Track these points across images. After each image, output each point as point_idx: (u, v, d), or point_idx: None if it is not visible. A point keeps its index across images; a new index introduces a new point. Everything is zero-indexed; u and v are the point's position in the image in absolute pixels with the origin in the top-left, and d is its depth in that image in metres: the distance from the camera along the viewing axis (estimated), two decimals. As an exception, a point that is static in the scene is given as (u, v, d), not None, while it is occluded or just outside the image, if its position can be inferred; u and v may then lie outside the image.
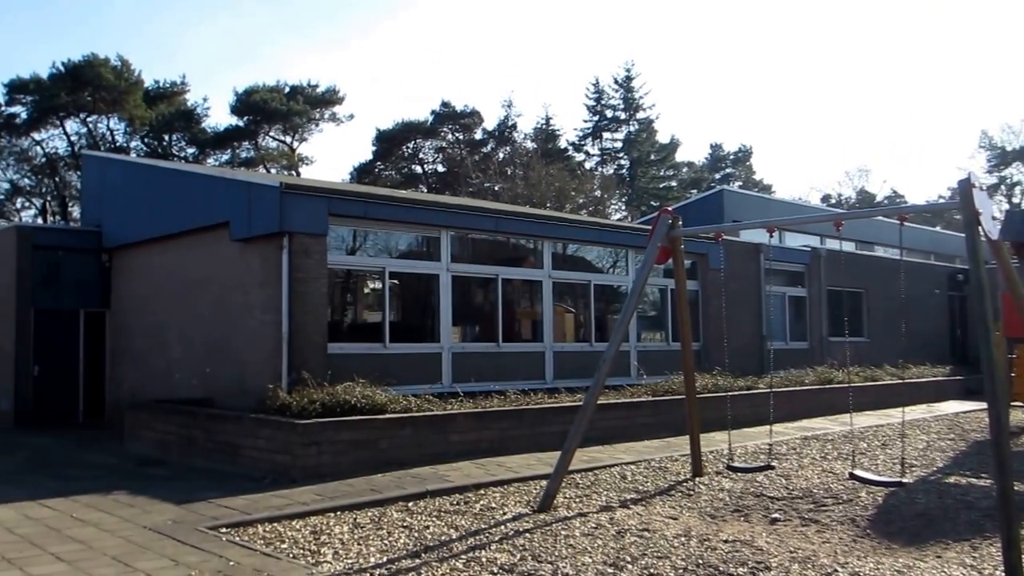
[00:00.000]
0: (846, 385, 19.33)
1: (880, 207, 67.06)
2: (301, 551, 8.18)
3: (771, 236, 11.40)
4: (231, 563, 7.68)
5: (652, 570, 7.40)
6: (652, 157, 69.01)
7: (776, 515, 9.56)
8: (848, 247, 33.29)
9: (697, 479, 11.66)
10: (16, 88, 52.41)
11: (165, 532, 8.83)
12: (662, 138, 71.03)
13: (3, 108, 52.83)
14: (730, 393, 15.85)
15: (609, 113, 69.66)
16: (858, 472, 9.96)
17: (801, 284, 25.85)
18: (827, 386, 20.22)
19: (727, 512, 9.81)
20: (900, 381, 21.79)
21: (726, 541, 8.33)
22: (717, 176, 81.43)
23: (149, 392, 17.79)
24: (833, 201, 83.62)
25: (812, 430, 16.81)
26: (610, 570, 7.42)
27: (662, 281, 20.73)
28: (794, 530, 8.95)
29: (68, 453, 15.10)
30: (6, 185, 54.65)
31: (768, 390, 16.06)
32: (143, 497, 10.67)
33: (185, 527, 9.02)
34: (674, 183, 71.80)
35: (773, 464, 11.64)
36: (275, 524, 9.21)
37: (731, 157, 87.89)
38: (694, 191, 64.80)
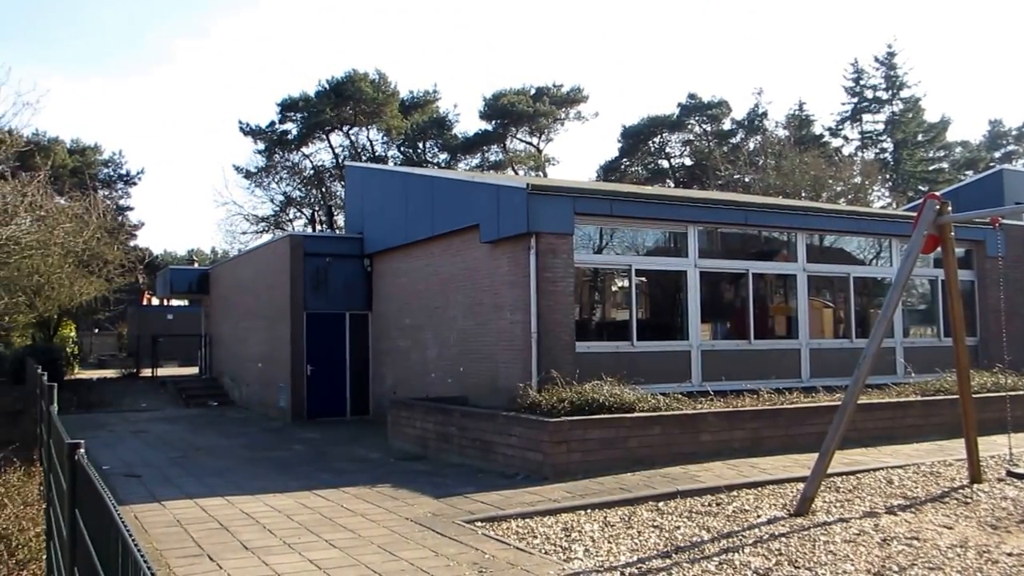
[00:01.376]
0: None
1: None
2: (553, 547, 8.29)
3: (1059, 218, 10.23)
4: (486, 556, 7.90)
5: (924, 583, 6.86)
6: (919, 138, 63.98)
7: (1073, 530, 8.56)
8: None
9: (975, 486, 10.74)
10: (288, 107, 56.78)
11: (425, 524, 9.23)
12: (930, 117, 65.54)
13: (277, 126, 57.42)
14: (1012, 393, 14.42)
15: (869, 94, 65.27)
16: None
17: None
18: None
19: (1011, 523, 8.90)
20: None
21: (1010, 554, 7.57)
22: (996, 155, 74.52)
23: (408, 390, 18.71)
24: None
25: (1116, 436, 14.97)
26: (874, 580, 7.02)
27: (932, 271, 19.26)
28: (1096, 548, 7.97)
29: (337, 447, 16.15)
30: (280, 197, 59.17)
31: (1059, 389, 14.46)
32: (404, 490, 11.21)
33: (443, 520, 9.39)
34: (945, 165, 66.39)
35: (1067, 472, 10.45)
36: (527, 520, 9.39)
37: (1013, 133, 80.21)
38: (969, 172, 59.74)
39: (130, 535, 2.94)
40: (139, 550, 2.78)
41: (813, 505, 9.55)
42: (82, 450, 4.24)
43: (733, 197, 24.11)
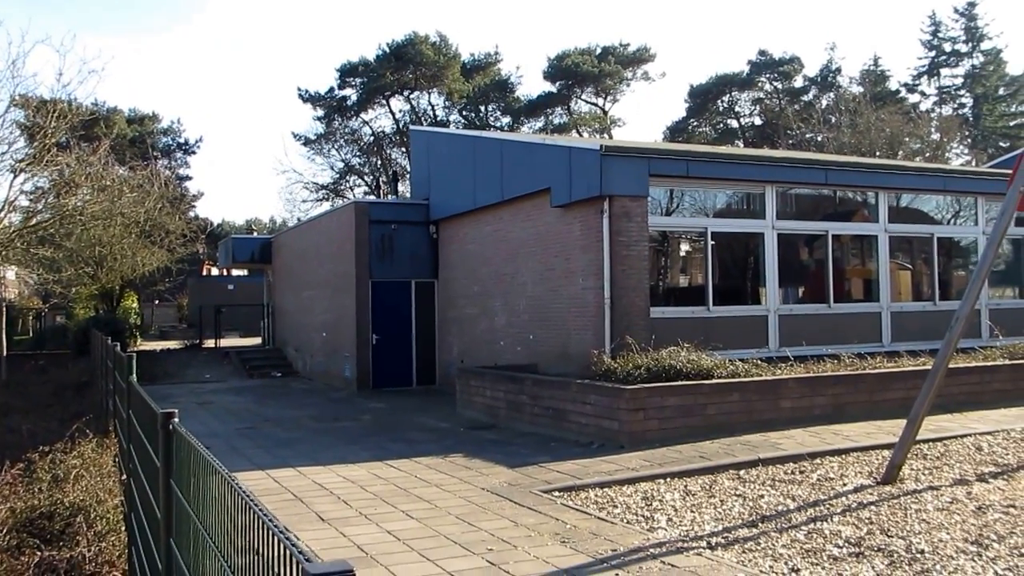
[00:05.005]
0: None
1: None
2: (634, 516, 8.13)
3: None
4: (567, 526, 7.73)
5: (1024, 551, 6.60)
6: (1001, 92, 61.16)
7: None
8: None
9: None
10: (347, 72, 55.90)
11: (502, 494, 9.05)
12: (1013, 70, 62.52)
13: (336, 92, 56.83)
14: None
15: (948, 47, 62.46)
16: None
17: None
18: None
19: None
20: None
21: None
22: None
23: (475, 358, 18.52)
24: None
25: None
26: (973, 548, 6.84)
27: (1015, 230, 18.36)
28: None
29: (405, 417, 16.01)
30: (340, 164, 58.91)
31: None
32: (477, 460, 11.04)
33: (520, 490, 9.20)
34: (1028, 120, 63.68)
35: None
36: (606, 489, 9.21)
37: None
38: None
39: (252, 498, 2.81)
40: (264, 512, 2.64)
41: (901, 473, 9.28)
42: (176, 419, 4.15)
43: (812, 156, 23.43)
